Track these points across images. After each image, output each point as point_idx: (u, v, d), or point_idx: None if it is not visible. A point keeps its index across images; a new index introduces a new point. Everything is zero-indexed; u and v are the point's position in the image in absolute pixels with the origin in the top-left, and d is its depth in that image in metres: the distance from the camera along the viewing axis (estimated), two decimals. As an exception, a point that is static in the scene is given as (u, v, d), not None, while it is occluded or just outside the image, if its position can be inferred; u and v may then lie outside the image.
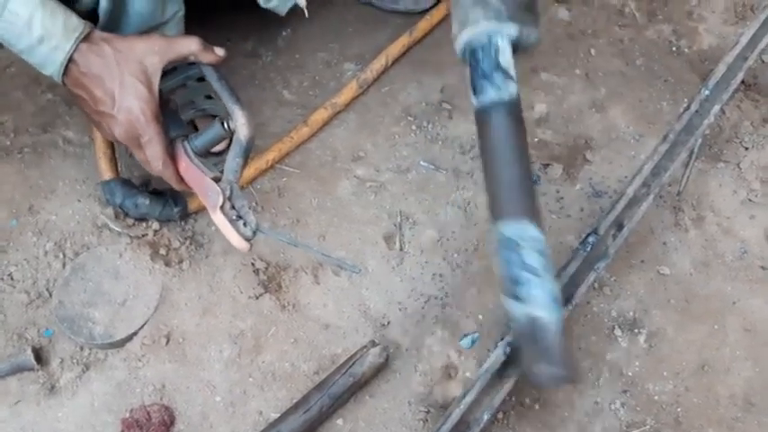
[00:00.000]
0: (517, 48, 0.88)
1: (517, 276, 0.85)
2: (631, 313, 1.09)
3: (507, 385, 0.95)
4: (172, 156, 1.00)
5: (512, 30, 0.86)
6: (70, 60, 0.93)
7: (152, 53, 0.96)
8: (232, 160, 0.98)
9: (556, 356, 0.86)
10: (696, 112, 1.14)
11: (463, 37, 0.88)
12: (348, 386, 0.99)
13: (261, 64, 1.30)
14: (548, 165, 1.21)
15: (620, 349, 1.06)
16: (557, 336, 0.85)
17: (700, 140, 1.15)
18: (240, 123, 0.98)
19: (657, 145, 1.11)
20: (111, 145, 1.14)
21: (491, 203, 0.90)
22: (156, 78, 0.96)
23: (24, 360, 1.00)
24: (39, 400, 1.00)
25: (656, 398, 1.03)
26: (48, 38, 0.91)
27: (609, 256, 1.03)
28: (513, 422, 1.00)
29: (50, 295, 1.06)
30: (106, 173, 1.12)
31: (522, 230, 0.86)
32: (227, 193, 0.97)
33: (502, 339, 0.96)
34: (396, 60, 1.29)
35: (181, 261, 1.10)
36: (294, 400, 0.99)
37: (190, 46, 0.99)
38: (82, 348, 1.03)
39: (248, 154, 1.00)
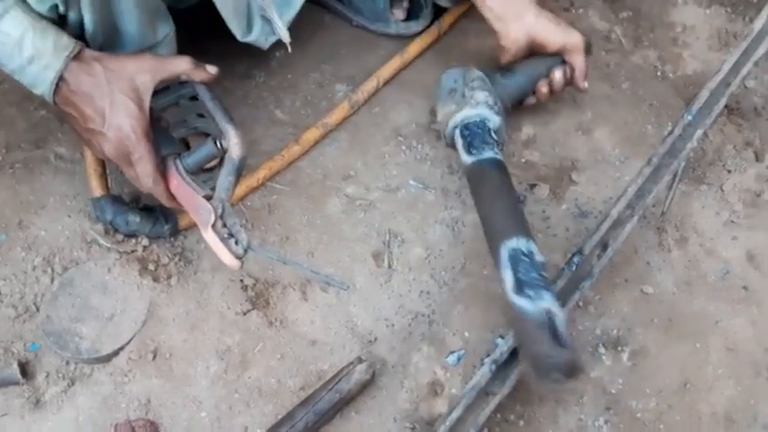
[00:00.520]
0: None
1: (530, 280, 0.97)
2: (615, 331, 1.10)
3: (493, 402, 0.96)
4: (163, 173, 1.00)
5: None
6: (60, 79, 0.94)
7: (143, 72, 0.97)
8: (224, 179, 0.98)
9: (568, 341, 0.94)
10: (680, 135, 1.16)
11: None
12: (334, 402, 0.99)
13: (254, 84, 1.31)
14: (534, 185, 1.23)
15: (604, 367, 1.07)
16: (566, 325, 0.95)
17: (683, 163, 1.17)
18: (233, 143, 0.99)
19: (642, 167, 1.13)
20: (102, 162, 1.15)
21: (496, 228, 1.04)
22: (147, 97, 0.97)
23: (10, 374, 1.00)
24: (23, 413, 1.00)
25: (638, 415, 1.04)
26: (38, 57, 0.92)
27: (593, 276, 1.05)
28: (499, 439, 1.01)
29: (38, 310, 1.06)
30: (97, 189, 1.13)
31: (528, 244, 1.01)
32: (219, 211, 0.97)
33: (488, 356, 0.97)
34: (387, 82, 1.31)
35: (169, 277, 1.10)
36: (280, 416, 0.99)
37: (181, 65, 1.00)
38: (68, 363, 1.03)
39: (240, 173, 1.00)
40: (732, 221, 1.20)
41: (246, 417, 1.01)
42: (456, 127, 1.16)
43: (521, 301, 0.95)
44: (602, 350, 1.08)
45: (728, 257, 1.17)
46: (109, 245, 1.11)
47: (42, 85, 0.94)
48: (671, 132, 1.16)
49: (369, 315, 1.10)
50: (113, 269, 1.09)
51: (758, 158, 1.27)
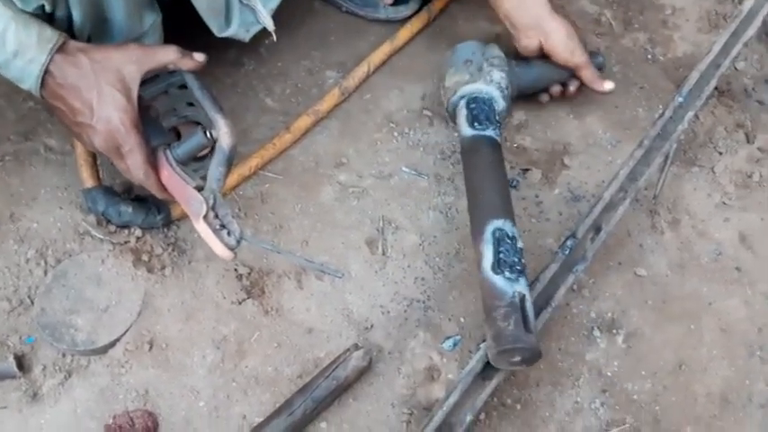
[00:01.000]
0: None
1: (510, 262, 0.99)
2: (609, 314, 1.10)
3: (489, 386, 0.96)
4: (153, 165, 0.99)
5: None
6: (46, 72, 0.92)
7: (130, 62, 0.95)
8: (215, 169, 0.98)
9: (535, 331, 0.96)
10: (671, 118, 1.17)
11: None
12: (331, 389, 1.00)
13: (243, 72, 1.31)
14: (527, 170, 1.23)
15: (599, 350, 1.08)
16: (532, 311, 0.97)
17: (675, 146, 1.18)
18: (223, 132, 0.98)
19: (633, 150, 1.13)
20: (93, 153, 1.14)
21: (485, 203, 1.05)
22: (134, 87, 0.96)
23: (6, 368, 1.00)
24: (21, 407, 0.99)
25: (634, 397, 1.05)
26: (22, 51, 0.91)
27: (587, 259, 1.05)
28: (496, 423, 1.01)
29: (32, 302, 1.06)
30: (88, 181, 1.13)
31: (513, 229, 1.03)
32: (211, 202, 0.96)
33: (483, 341, 0.97)
34: (377, 68, 1.31)
35: (163, 267, 1.10)
36: (278, 404, 1.00)
37: (168, 54, 0.98)
38: (64, 355, 1.03)
39: (231, 162, 0.99)
40: (724, 203, 1.21)
41: (244, 405, 1.02)
42: (463, 97, 1.17)
43: (498, 280, 0.97)
44: (596, 333, 1.09)
45: (721, 239, 1.18)
46: (102, 236, 1.10)
47: (29, 80, 0.93)
48: (662, 115, 1.17)
49: (364, 302, 1.10)
50: (107, 260, 1.09)
51: (749, 140, 1.27)
